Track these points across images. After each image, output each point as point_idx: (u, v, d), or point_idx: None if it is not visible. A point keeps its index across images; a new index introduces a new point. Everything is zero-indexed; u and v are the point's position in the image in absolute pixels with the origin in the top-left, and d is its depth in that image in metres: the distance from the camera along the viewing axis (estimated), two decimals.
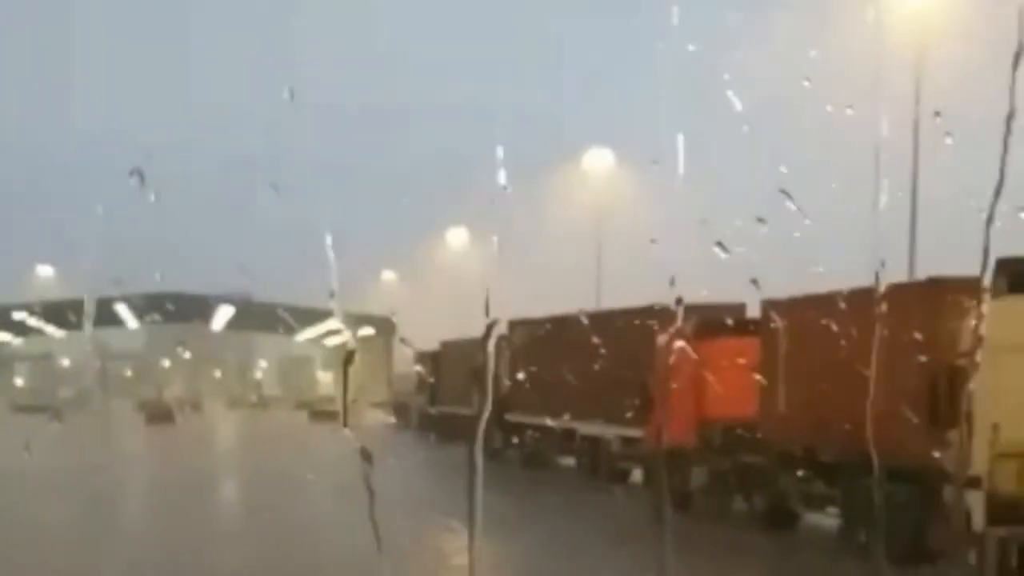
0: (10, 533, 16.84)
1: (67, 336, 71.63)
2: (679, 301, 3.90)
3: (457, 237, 52.64)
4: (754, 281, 6.55)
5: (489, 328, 3.10)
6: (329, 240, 3.13)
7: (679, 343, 10.65)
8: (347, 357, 3.81)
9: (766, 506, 18.56)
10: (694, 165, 3.45)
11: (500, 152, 3.19)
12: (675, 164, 3.47)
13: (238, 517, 21.16)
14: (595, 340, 19.04)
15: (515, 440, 27.43)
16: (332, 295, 3.24)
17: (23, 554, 15.07)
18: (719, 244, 5.19)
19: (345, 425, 3.40)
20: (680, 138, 3.44)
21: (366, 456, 3.00)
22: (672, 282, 3.79)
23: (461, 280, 39.00)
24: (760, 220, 6.08)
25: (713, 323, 17.89)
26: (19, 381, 64.29)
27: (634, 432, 21.95)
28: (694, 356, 16.37)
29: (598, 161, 43.52)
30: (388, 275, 55.94)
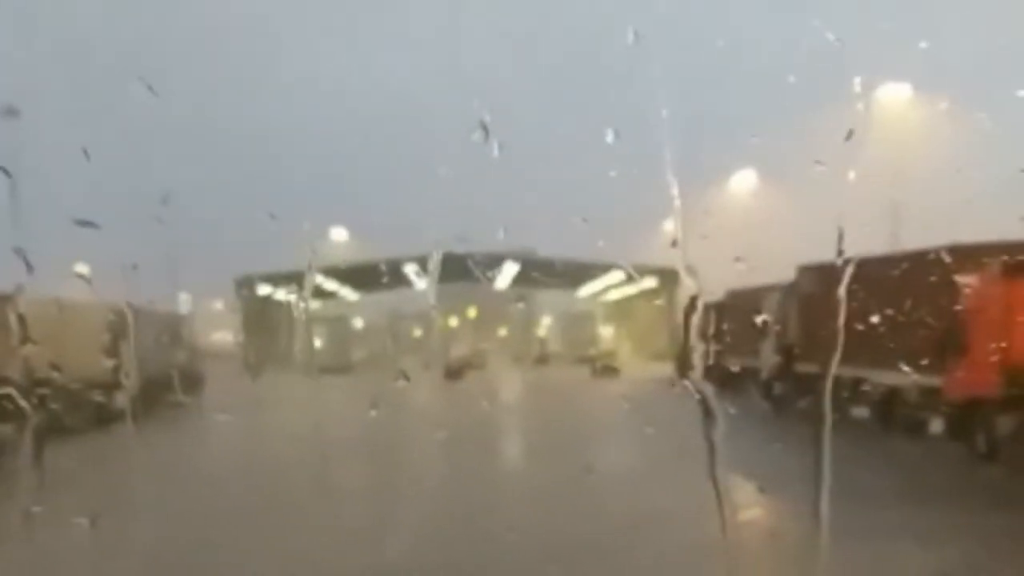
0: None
1: (360, 298, 75.13)
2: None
3: (744, 181, 51.30)
4: None
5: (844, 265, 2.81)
6: (676, 191, 2.92)
7: (985, 284, 9.99)
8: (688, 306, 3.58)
9: None
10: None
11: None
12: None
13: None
14: (890, 283, 18.14)
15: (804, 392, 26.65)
16: (674, 244, 3.03)
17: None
18: None
19: (683, 377, 3.19)
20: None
21: (708, 412, 2.80)
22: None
23: (749, 227, 38.17)
24: None
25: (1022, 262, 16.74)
26: (317, 343, 67.65)
27: (933, 380, 20.89)
28: (1001, 297, 15.36)
29: (894, 95, 41.42)
30: (668, 225, 55.25)
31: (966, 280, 17.52)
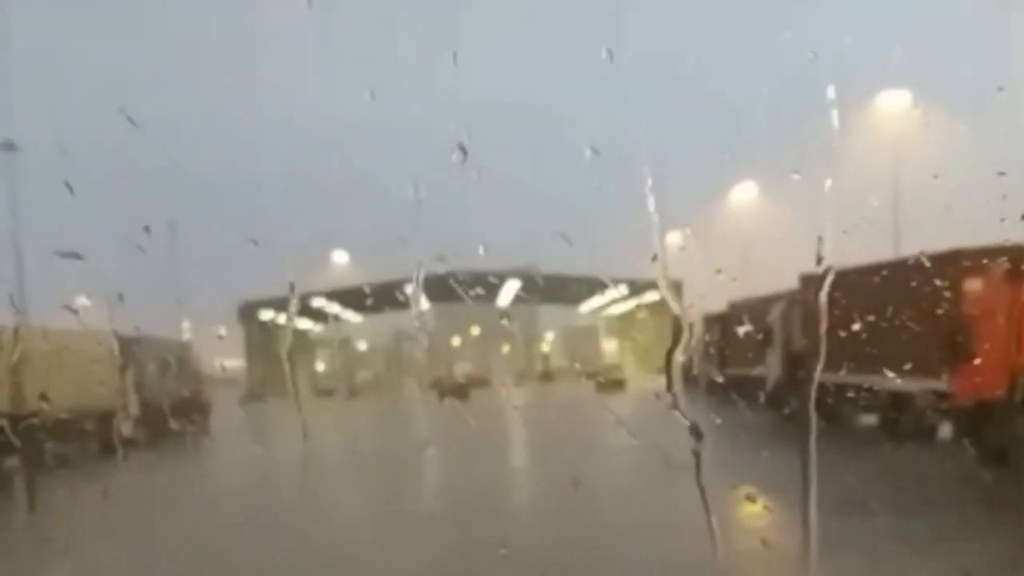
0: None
1: (363, 320, 75.13)
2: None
3: (744, 193, 51.34)
4: None
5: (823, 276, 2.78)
6: (652, 206, 2.89)
7: (990, 287, 9.97)
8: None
9: None
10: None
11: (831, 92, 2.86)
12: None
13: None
14: (895, 289, 18.09)
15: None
16: (655, 258, 3.00)
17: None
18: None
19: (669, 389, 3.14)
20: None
21: (696, 433, 2.77)
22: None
23: (749, 237, 38.17)
24: None
25: None
26: (319, 366, 67.68)
27: (941, 384, 20.84)
28: (1009, 298, 15.32)
29: (894, 102, 41.42)
30: (673, 237, 55.32)
31: (972, 283, 17.51)
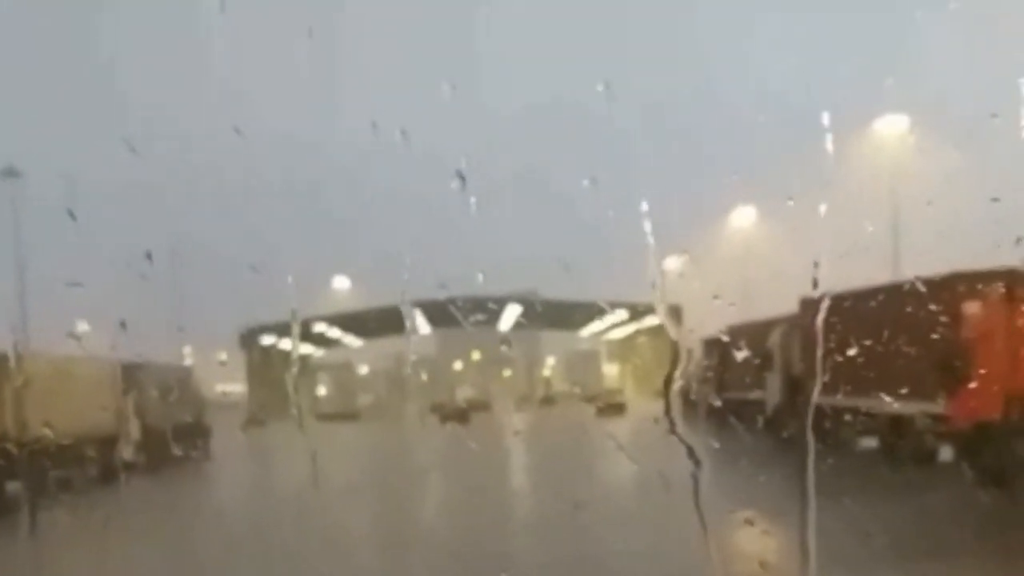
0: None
1: (364, 345, 75.22)
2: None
3: (743, 217, 51.45)
4: None
5: (818, 301, 2.90)
6: (649, 228, 3.01)
7: (988, 310, 10.06)
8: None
9: None
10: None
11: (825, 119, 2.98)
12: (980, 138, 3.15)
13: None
14: (894, 313, 18.20)
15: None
16: (653, 286, 3.11)
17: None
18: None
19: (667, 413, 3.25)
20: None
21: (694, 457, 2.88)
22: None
23: (748, 262, 38.27)
24: None
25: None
26: (321, 390, 67.73)
27: (938, 408, 20.91)
28: (1006, 322, 15.41)
29: (889, 128, 41.60)
30: (672, 262, 55.49)
31: (968, 307, 17.60)
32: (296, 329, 7.32)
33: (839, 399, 25.60)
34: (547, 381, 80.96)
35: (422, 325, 55.63)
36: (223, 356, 58.36)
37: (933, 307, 17.91)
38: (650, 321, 54.72)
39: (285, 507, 22.40)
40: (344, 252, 57.85)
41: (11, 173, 38.92)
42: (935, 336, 18.28)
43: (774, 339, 31.91)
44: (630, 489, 19.52)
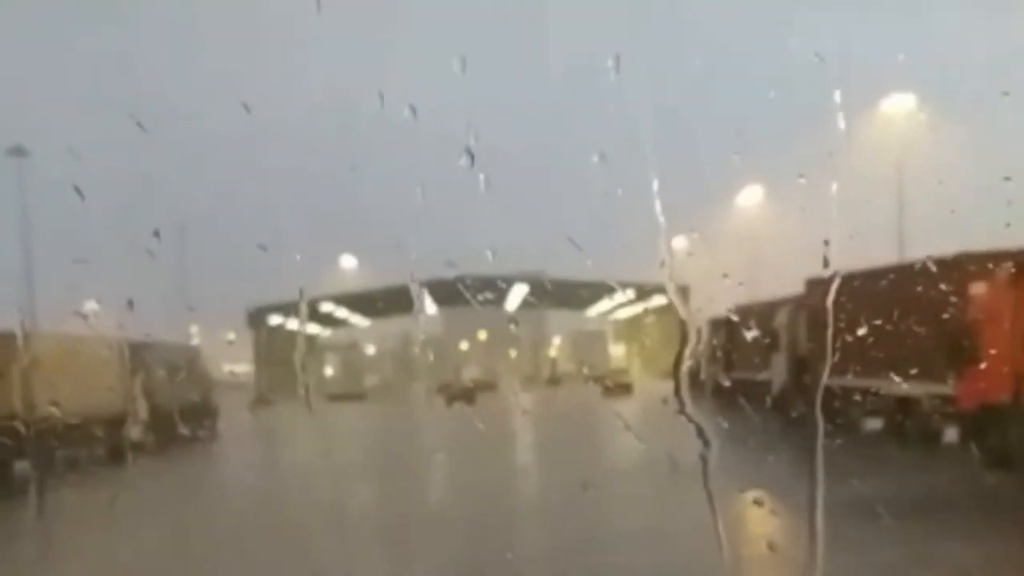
0: None
1: (371, 325, 75.31)
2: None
3: (750, 197, 51.23)
4: None
5: (827, 281, 2.85)
6: (659, 207, 2.95)
7: (995, 291, 9.99)
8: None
9: None
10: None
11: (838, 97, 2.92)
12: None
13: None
14: (901, 294, 18.13)
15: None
16: (663, 265, 3.06)
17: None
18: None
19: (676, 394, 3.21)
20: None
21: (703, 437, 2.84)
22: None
23: (756, 242, 38.16)
24: None
25: None
26: (328, 371, 67.82)
27: (946, 389, 20.86)
28: (1015, 303, 15.33)
29: (899, 106, 41.33)
30: (679, 242, 55.41)
31: (977, 288, 17.54)
32: (304, 308, 7.30)
33: (848, 379, 25.59)
34: (554, 361, 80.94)
35: (429, 305, 55.64)
36: (231, 336, 58.51)
37: (942, 287, 17.85)
38: (657, 301, 54.68)
39: (292, 486, 22.47)
40: (351, 231, 57.74)
41: (19, 152, 38.89)
42: (944, 316, 18.22)
43: (780, 319, 31.85)
44: (637, 470, 19.53)
